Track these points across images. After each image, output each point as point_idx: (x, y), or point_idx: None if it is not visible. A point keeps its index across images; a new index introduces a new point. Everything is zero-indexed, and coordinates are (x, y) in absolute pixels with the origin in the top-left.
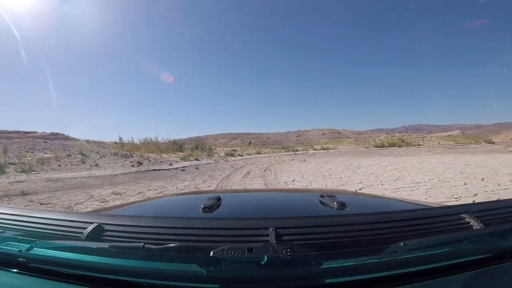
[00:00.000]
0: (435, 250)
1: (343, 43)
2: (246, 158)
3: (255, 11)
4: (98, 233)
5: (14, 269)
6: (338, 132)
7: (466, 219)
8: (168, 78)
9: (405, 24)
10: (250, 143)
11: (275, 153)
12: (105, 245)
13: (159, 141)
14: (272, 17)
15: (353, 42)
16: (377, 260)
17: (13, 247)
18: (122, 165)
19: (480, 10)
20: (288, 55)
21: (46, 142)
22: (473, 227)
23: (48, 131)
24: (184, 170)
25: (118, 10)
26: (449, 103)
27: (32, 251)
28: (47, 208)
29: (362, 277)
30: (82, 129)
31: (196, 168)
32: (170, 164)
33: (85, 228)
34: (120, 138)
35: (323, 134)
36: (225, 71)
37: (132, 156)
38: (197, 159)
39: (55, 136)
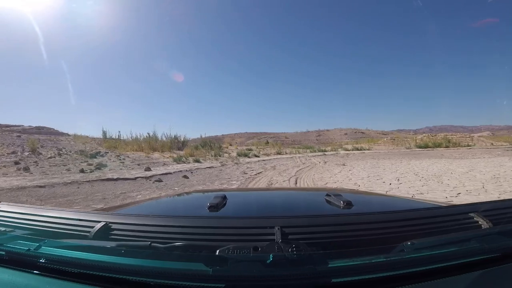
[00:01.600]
0: (443, 249)
1: (360, 42)
2: (264, 160)
3: (271, 7)
4: (105, 232)
5: (22, 267)
6: (362, 132)
7: (474, 218)
8: (178, 77)
9: (415, 24)
10: (267, 142)
11: (299, 153)
12: (113, 244)
13: (159, 137)
14: (287, 15)
15: (370, 41)
16: (384, 259)
17: (21, 246)
18: (68, 169)
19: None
20: (307, 54)
21: (19, 136)
22: (482, 226)
23: (35, 125)
24: (160, 181)
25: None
26: (475, 104)
27: (40, 250)
28: (55, 207)
29: (369, 276)
30: (94, 128)
31: (185, 177)
32: (148, 170)
33: (93, 227)
34: (103, 132)
35: (346, 134)
36: (242, 69)
37: (103, 156)
38: (197, 161)
39: (39, 130)
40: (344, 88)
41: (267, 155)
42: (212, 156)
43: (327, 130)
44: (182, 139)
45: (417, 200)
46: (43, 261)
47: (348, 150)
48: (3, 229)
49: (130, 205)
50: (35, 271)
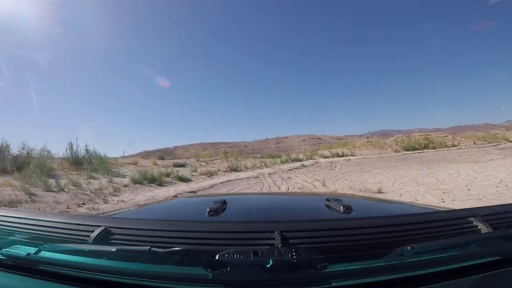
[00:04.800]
0: (443, 253)
1: (305, 53)
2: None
3: (227, 11)
4: (105, 237)
5: (22, 272)
6: (319, 138)
7: (474, 222)
8: (163, 82)
9: (354, 35)
10: (226, 152)
11: (266, 166)
12: (112, 248)
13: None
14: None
15: (312, 52)
16: (383, 263)
17: (21, 250)
18: None
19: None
20: (263, 67)
21: None
22: (481, 230)
23: None
24: None
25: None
26: (408, 108)
27: (40, 254)
28: (54, 212)
29: (369, 280)
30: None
31: None
32: None
33: (92, 232)
34: None
35: (304, 140)
36: (198, 77)
37: None
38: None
39: None
40: (300, 97)
41: (212, 174)
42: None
43: (286, 137)
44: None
45: (416, 204)
46: (43, 265)
47: (327, 156)
48: (3, 234)
49: (129, 210)
50: (35, 276)
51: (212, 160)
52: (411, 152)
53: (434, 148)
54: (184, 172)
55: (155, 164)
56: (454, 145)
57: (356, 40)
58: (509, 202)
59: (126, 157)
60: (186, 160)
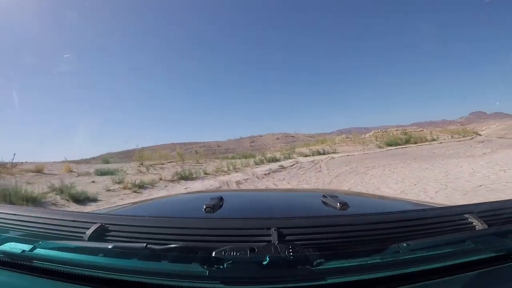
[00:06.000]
0: (438, 250)
1: (278, 51)
2: None
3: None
4: (101, 233)
5: (17, 269)
6: (292, 136)
7: (469, 219)
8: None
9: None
10: (196, 152)
11: (236, 170)
12: (108, 245)
13: None
14: (217, 18)
15: (285, 47)
16: (379, 260)
17: (16, 247)
18: None
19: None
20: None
21: None
22: (476, 227)
23: None
24: None
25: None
26: (370, 107)
27: (35, 251)
28: (49, 208)
29: (365, 277)
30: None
31: None
32: None
33: (88, 228)
34: None
35: (278, 138)
36: (170, 75)
37: None
38: None
39: None
40: (269, 96)
41: (138, 188)
42: None
43: (260, 136)
44: None
45: (412, 201)
46: (38, 262)
47: (307, 155)
48: None
49: (126, 207)
50: (30, 273)
51: (163, 164)
52: (395, 147)
53: (415, 143)
54: (104, 184)
55: (71, 171)
56: (433, 139)
57: (316, 41)
58: (505, 199)
59: (57, 163)
60: (125, 165)
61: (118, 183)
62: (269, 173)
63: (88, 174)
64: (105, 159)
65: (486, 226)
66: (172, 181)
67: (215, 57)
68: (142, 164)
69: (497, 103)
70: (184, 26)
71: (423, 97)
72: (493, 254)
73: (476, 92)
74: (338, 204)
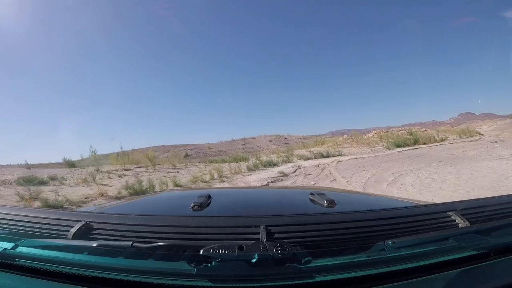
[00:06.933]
0: (422, 248)
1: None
2: None
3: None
4: (85, 232)
5: None
6: (285, 138)
7: (452, 217)
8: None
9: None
10: (186, 155)
11: (222, 179)
12: (93, 243)
13: None
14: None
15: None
16: (365, 258)
17: None
18: None
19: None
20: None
21: None
22: (459, 225)
23: None
24: None
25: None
26: (362, 109)
27: (17, 250)
28: (32, 207)
29: (352, 274)
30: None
31: None
32: None
33: (72, 227)
34: None
35: (270, 140)
36: (158, 77)
37: None
38: None
39: None
40: (261, 98)
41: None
42: None
43: (253, 138)
44: None
45: (399, 198)
46: (21, 260)
47: (308, 158)
48: None
49: (112, 205)
50: (12, 271)
51: (127, 170)
52: (405, 149)
53: (424, 143)
54: (6, 199)
55: None
56: (442, 140)
57: (310, 45)
58: (486, 197)
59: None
60: (77, 170)
61: (26, 198)
62: (267, 184)
63: (4, 183)
64: (70, 162)
65: (468, 224)
66: (118, 197)
67: (207, 60)
68: (98, 170)
69: (479, 101)
70: (183, 26)
71: (412, 98)
72: (475, 252)
73: (464, 93)
74: (325, 201)
